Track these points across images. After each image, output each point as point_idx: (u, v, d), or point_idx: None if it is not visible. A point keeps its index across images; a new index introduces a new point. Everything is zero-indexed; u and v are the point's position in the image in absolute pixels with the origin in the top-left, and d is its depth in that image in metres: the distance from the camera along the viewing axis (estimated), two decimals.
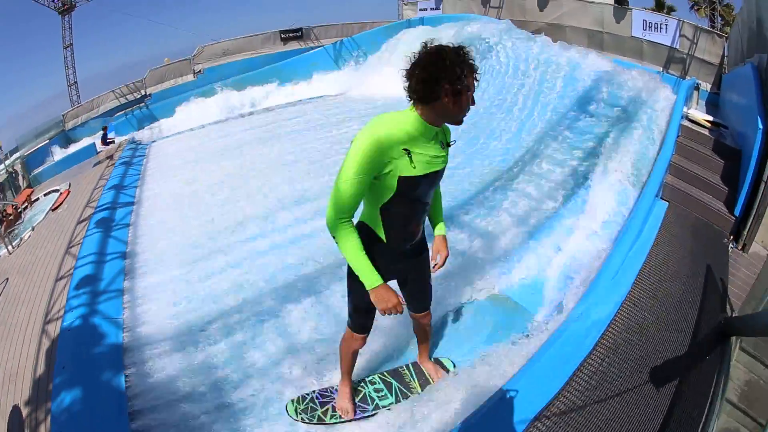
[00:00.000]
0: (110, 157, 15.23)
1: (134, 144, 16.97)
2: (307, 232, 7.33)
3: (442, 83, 2.31)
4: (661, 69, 14.57)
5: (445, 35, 15.53)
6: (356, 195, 2.45)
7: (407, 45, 17.22)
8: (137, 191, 11.18)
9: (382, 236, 2.80)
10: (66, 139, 21.36)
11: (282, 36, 24.99)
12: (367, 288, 2.60)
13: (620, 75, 10.32)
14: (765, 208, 5.71)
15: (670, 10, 31.73)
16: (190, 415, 4.15)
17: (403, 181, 2.50)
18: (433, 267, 3.19)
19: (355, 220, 2.70)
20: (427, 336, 3.99)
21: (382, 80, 17.04)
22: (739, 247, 5.84)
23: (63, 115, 22.39)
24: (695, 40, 13.78)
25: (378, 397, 3.99)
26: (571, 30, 16.73)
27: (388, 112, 2.49)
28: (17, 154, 19.16)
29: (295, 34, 25.32)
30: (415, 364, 4.22)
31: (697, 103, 10.87)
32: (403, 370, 4.21)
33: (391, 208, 2.66)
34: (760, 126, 6.32)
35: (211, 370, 4.71)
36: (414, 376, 4.11)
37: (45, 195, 14.16)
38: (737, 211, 6.15)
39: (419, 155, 2.49)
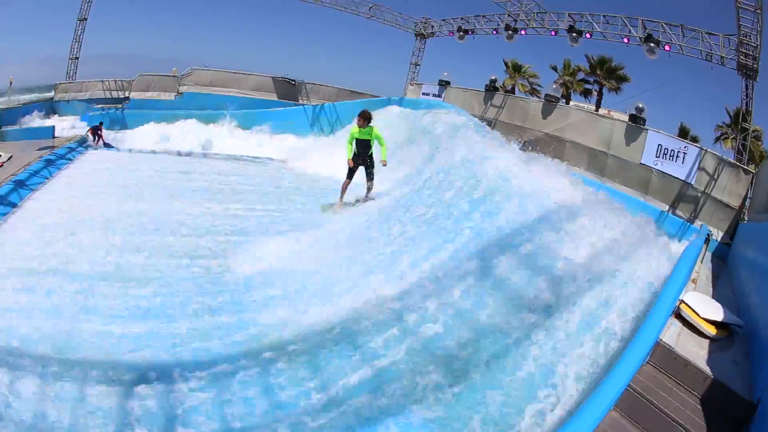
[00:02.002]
0: (51, 147, 18.92)
1: (76, 144, 20.13)
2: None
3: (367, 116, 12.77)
4: (666, 208, 13.51)
5: (408, 121, 17.45)
6: (348, 142, 13.14)
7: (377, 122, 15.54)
8: (29, 194, 13.68)
9: (351, 153, 13.06)
10: (51, 108, 24.87)
11: (274, 82, 26.94)
12: (348, 158, 13.02)
13: (580, 214, 7.52)
14: None
15: (693, 139, 30.18)
16: None
17: (355, 141, 12.97)
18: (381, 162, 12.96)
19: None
20: (369, 189, 13.35)
21: (333, 159, 17.09)
22: None
23: (55, 85, 25.60)
24: (716, 176, 12.58)
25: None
26: (572, 146, 15.75)
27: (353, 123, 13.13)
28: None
29: (287, 84, 27.07)
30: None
31: (702, 261, 8.82)
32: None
33: (354, 147, 13.05)
34: None
35: None
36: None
37: None
38: None
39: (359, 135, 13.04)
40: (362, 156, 12.97)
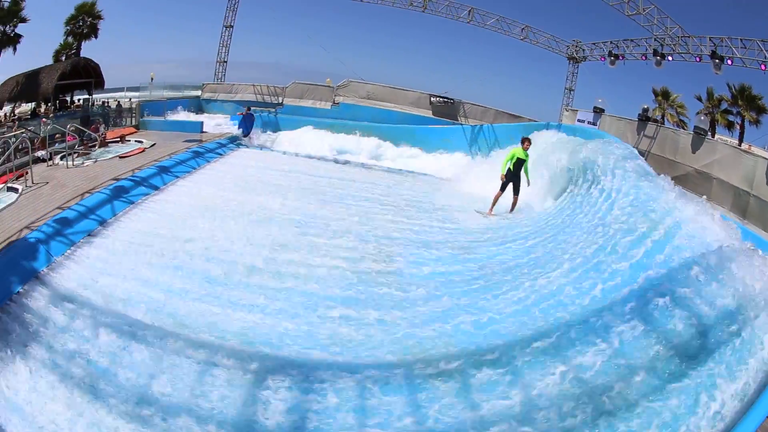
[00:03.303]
0: (199, 141, 18.73)
1: (227, 141, 20.20)
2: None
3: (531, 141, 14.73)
4: None
5: (566, 147, 16.12)
6: (508, 159, 14.37)
7: (536, 147, 16.22)
8: (173, 181, 13.94)
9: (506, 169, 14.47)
10: (198, 106, 25.69)
11: (431, 100, 25.95)
12: (501, 173, 14.48)
13: (734, 260, 6.71)
14: None
15: None
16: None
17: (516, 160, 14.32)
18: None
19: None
20: (514, 204, 14.52)
21: (488, 179, 16.72)
22: None
23: (203, 85, 26.56)
24: None
25: None
26: (719, 184, 14.23)
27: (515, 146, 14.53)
28: (136, 94, 24.18)
29: (445, 103, 26.01)
30: None
31: None
32: None
33: (510, 165, 14.34)
34: None
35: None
36: None
37: (135, 141, 17.90)
38: None
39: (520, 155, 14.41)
40: (516, 174, 14.39)
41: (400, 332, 7.49)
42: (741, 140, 33.62)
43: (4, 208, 10.35)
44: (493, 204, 14.42)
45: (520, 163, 14.24)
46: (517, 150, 14.35)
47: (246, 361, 6.48)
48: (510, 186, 14.56)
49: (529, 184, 14.51)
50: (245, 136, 22.12)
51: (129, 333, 6.93)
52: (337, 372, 6.37)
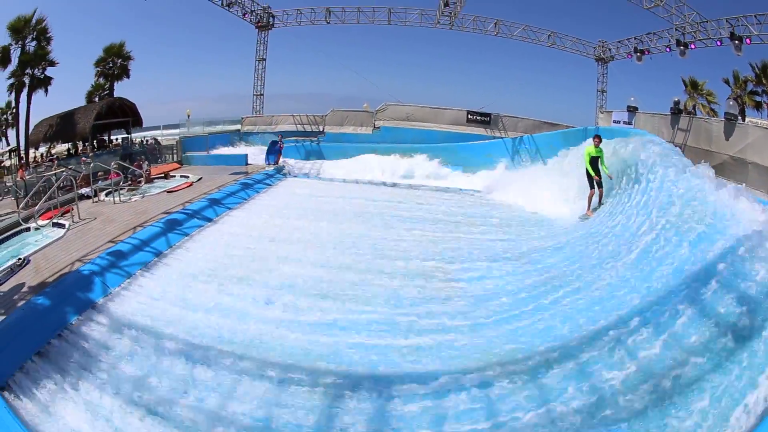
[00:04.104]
0: (246, 173, 18.28)
1: (273, 171, 19.92)
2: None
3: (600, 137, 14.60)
4: None
5: (608, 149, 15.74)
6: (587, 161, 14.25)
7: (575, 158, 16.98)
8: (225, 212, 13.59)
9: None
10: (240, 138, 25.75)
11: (469, 117, 25.96)
12: (592, 174, 14.29)
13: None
14: None
15: None
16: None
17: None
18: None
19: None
20: (601, 195, 14.33)
21: (533, 190, 17.74)
22: None
23: (242, 118, 26.73)
24: None
25: None
26: (754, 168, 14.18)
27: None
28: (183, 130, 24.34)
29: (483, 119, 26.07)
30: None
31: None
32: None
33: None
34: None
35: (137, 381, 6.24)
36: None
37: (180, 176, 17.59)
38: None
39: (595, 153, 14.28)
40: (595, 170, 14.72)
41: (469, 340, 7.56)
42: None
43: (52, 242, 9.86)
44: (589, 203, 14.87)
45: (595, 160, 14.69)
46: (589, 148, 14.86)
47: (319, 377, 6.42)
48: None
49: (611, 177, 14.55)
50: (270, 164, 21.51)
51: (196, 357, 6.75)
52: (410, 382, 6.38)
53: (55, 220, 11.40)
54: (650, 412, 5.59)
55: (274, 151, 21.80)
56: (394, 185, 21.14)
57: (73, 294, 7.69)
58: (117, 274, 8.62)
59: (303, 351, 7.05)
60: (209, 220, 12.77)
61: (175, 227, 11.28)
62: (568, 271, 9.95)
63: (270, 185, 17.91)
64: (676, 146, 16.27)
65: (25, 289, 7.66)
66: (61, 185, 12.89)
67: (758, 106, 34.96)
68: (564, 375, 6.41)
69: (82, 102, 26.53)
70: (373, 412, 5.90)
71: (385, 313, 8.44)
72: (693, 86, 36.45)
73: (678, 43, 23.38)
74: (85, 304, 7.60)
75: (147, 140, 23.01)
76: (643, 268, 8.68)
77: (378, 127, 25.96)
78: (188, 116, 24.97)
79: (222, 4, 25.11)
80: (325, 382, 6.31)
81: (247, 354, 6.87)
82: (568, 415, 5.64)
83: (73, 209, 11.82)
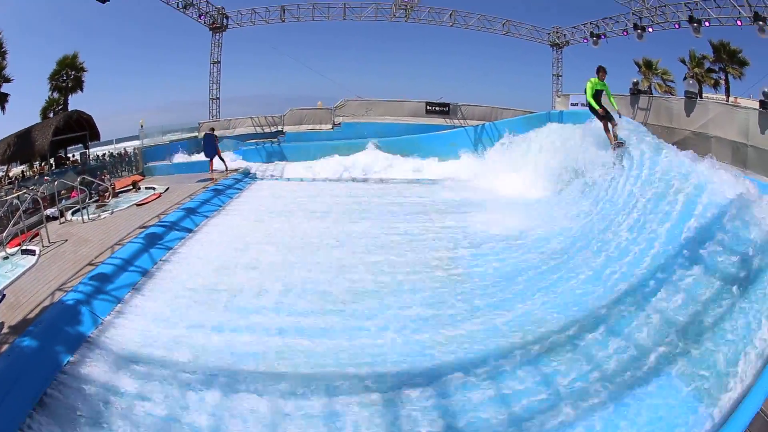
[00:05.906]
0: (212, 179, 17.51)
1: (242, 176, 19.18)
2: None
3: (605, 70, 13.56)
4: None
5: (576, 133, 16.54)
6: (590, 96, 13.08)
7: (540, 141, 18.33)
8: (204, 221, 12.92)
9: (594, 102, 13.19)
10: (198, 145, 23.98)
11: (427, 108, 25.77)
12: (596, 108, 13.16)
13: (753, 206, 7.58)
14: None
15: None
16: None
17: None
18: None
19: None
20: (616, 126, 13.23)
21: (512, 177, 17.87)
22: None
23: (199, 124, 25.74)
24: None
25: None
26: (717, 141, 14.82)
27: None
28: (137, 143, 23.13)
29: (442, 109, 25.99)
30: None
31: None
32: None
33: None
34: None
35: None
36: None
37: (146, 188, 16.67)
38: None
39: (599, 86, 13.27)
40: (598, 103, 13.91)
41: (489, 322, 7.70)
42: (728, 95, 34.18)
43: (24, 272, 8.93)
44: (609, 135, 13.95)
45: (599, 93, 13.77)
46: (592, 81, 13.80)
47: (363, 380, 6.24)
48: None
49: (620, 115, 14.19)
50: (210, 160, 19.64)
51: (222, 384, 6.15)
52: (435, 374, 6.35)
53: (24, 247, 10.39)
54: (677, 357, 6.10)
55: (210, 144, 19.56)
56: (364, 180, 20.83)
57: (60, 330, 6.82)
58: (105, 300, 7.81)
59: (334, 358, 6.73)
60: (189, 230, 12.17)
61: (156, 242, 10.55)
62: (568, 248, 10.39)
63: (241, 189, 17.32)
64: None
65: (4, 330, 6.70)
66: (25, 209, 11.86)
67: (716, 84, 36.13)
68: (598, 339, 6.90)
69: (38, 119, 24.76)
70: (380, 411, 5.72)
71: (398, 306, 8.28)
72: (647, 66, 37.27)
73: (635, 26, 23.72)
74: (77, 339, 6.76)
75: (105, 154, 21.84)
76: (642, 235, 9.18)
77: (338, 123, 25.39)
78: (141, 126, 23.95)
79: (178, 7, 24.02)
80: (368, 384, 6.13)
81: (288, 373, 6.36)
82: (616, 375, 6.04)
83: (40, 233, 10.87)
